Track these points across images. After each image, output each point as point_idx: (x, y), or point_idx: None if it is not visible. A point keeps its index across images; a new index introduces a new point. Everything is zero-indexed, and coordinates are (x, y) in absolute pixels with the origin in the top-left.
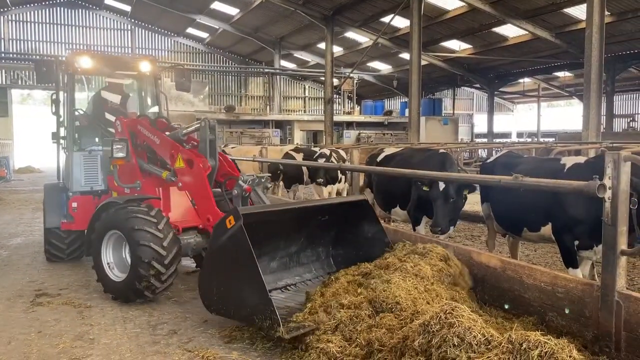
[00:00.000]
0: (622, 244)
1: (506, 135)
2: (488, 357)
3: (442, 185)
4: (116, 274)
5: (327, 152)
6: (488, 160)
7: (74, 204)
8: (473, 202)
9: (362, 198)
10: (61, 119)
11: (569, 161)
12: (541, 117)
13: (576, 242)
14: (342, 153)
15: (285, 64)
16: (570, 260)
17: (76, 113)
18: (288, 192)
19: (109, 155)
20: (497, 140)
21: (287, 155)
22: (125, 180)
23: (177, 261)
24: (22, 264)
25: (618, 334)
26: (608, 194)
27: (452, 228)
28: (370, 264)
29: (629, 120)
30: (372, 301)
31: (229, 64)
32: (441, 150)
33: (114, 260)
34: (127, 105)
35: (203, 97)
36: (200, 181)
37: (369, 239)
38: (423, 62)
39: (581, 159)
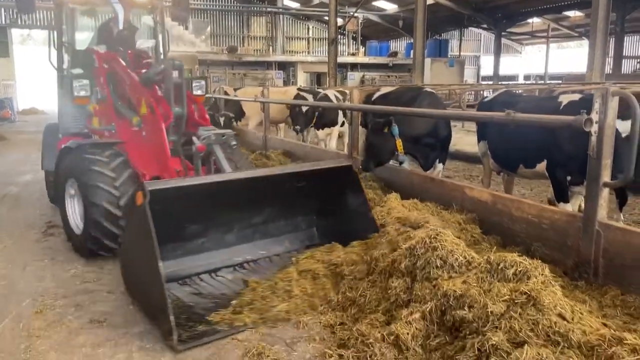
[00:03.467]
0: (605, 176)
1: (513, 77)
2: (467, 276)
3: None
4: (78, 225)
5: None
6: (486, 99)
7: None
8: (473, 143)
9: (346, 164)
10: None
11: (565, 99)
12: (551, 59)
13: (568, 178)
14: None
15: (288, 2)
16: (562, 195)
17: (67, 46)
18: (299, 134)
19: (71, 94)
20: (504, 82)
21: (299, 96)
22: (104, 122)
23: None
24: (33, 198)
25: (596, 261)
26: (594, 128)
27: (441, 165)
28: (342, 253)
29: (637, 61)
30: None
31: (230, 2)
32: (427, 89)
33: (78, 209)
34: (136, 38)
35: (205, 38)
36: (157, 131)
37: (352, 212)
38: (429, 1)
39: (576, 97)
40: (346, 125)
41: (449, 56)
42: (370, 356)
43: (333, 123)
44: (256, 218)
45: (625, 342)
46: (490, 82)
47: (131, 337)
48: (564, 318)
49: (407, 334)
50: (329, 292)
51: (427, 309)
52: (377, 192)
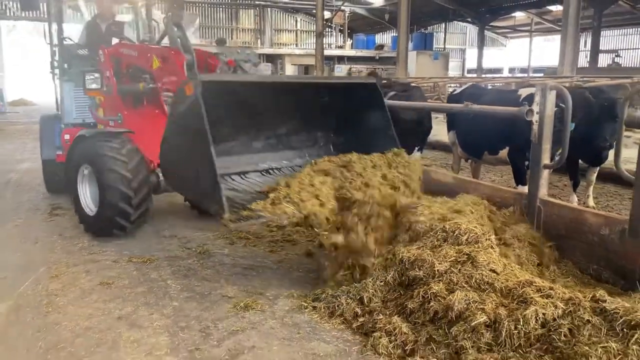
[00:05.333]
0: (545, 159)
1: (498, 70)
2: (424, 242)
3: None
4: (90, 207)
5: None
6: (455, 92)
7: (67, 136)
8: None
9: (371, 81)
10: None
11: (524, 92)
12: (537, 52)
13: (527, 163)
14: None
15: None
16: (521, 179)
17: (66, 42)
18: None
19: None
20: (488, 75)
21: None
22: (110, 113)
23: (146, 202)
24: (34, 184)
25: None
26: (535, 117)
27: (419, 153)
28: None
29: (613, 55)
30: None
31: None
32: (413, 84)
33: (89, 193)
34: (124, 33)
35: (194, 30)
36: (177, 71)
37: (373, 129)
38: None
39: (533, 90)
40: None
41: (435, 49)
42: (337, 306)
43: None
44: (281, 129)
45: (534, 284)
46: (475, 75)
47: (136, 295)
48: (494, 272)
49: (370, 289)
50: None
51: (388, 277)
52: None
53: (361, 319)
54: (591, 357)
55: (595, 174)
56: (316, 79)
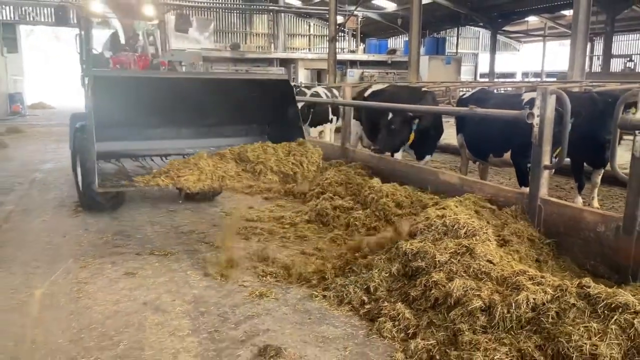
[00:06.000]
0: (546, 160)
1: (511, 75)
2: (426, 237)
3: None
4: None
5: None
6: (464, 96)
7: None
8: None
9: (285, 78)
10: (84, 58)
11: (527, 96)
12: (552, 56)
13: (529, 165)
14: (335, 92)
15: (290, 0)
16: (524, 181)
17: (94, 51)
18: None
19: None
20: (500, 80)
21: (316, 94)
22: None
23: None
24: (58, 183)
25: (538, 231)
26: (536, 120)
27: (429, 156)
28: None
29: (626, 60)
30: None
31: (234, 0)
32: (425, 89)
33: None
34: (138, 44)
35: (208, 35)
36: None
37: (288, 120)
38: (425, 1)
39: (535, 94)
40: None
41: (447, 54)
42: (346, 294)
43: (325, 120)
44: (211, 119)
45: (527, 273)
46: (487, 80)
47: (159, 284)
48: (491, 262)
49: (376, 280)
50: (232, 169)
51: (393, 269)
52: (364, 178)
53: (368, 306)
54: (573, 335)
55: (600, 176)
56: (213, 75)
